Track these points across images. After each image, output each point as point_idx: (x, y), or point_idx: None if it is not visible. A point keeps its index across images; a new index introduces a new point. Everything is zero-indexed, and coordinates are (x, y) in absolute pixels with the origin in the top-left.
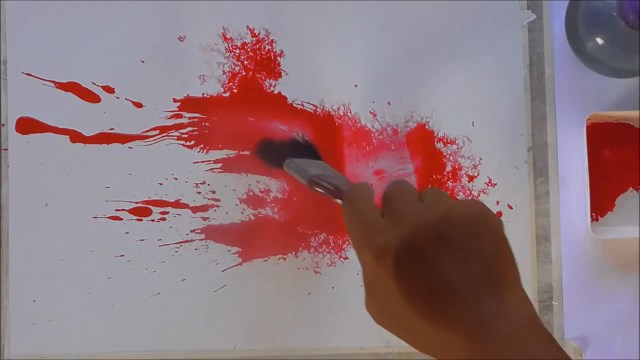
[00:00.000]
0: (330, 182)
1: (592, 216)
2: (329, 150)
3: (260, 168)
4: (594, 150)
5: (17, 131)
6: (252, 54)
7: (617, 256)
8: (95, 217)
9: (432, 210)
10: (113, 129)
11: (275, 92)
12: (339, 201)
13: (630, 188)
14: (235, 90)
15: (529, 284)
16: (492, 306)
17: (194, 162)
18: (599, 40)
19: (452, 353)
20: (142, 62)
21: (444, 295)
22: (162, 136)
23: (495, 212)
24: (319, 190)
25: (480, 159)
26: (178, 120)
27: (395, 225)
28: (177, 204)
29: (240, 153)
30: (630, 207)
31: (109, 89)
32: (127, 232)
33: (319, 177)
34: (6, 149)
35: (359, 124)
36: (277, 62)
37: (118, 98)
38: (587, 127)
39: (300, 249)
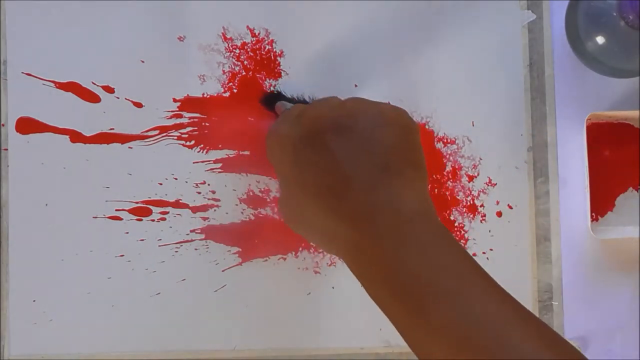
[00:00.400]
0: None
1: (592, 216)
2: None
3: (261, 168)
4: (594, 150)
5: (17, 131)
6: (252, 54)
7: (617, 256)
8: (95, 217)
9: (340, 107)
10: (113, 129)
11: (275, 92)
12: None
13: (630, 188)
14: (235, 90)
15: (529, 283)
16: (380, 198)
17: (194, 162)
18: (599, 40)
19: (342, 244)
20: (142, 62)
21: (336, 184)
22: (162, 136)
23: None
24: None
25: (480, 159)
26: (178, 120)
27: (302, 117)
28: (177, 204)
29: (240, 153)
30: (630, 207)
31: (109, 89)
32: (127, 232)
33: (281, 92)
34: (6, 149)
35: None
36: (277, 62)
37: (118, 98)
38: (587, 127)
39: (300, 249)
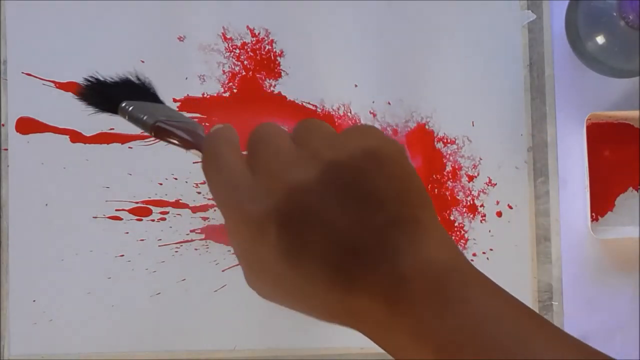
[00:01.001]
0: (182, 126)
1: (592, 216)
2: None
3: None
4: (594, 150)
5: (17, 131)
6: (252, 54)
7: (617, 256)
8: (95, 217)
9: (314, 158)
10: (113, 129)
11: (275, 92)
12: (196, 152)
13: (630, 188)
14: (235, 90)
15: (529, 284)
16: (406, 258)
17: (194, 162)
18: (599, 40)
19: (363, 319)
20: (142, 62)
21: (345, 257)
22: None
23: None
24: (170, 140)
25: (480, 159)
26: None
27: (271, 186)
28: (177, 204)
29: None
30: (630, 207)
31: None
32: (127, 232)
33: (166, 122)
34: (6, 149)
35: (359, 124)
36: (277, 62)
37: None
38: (587, 127)
39: None
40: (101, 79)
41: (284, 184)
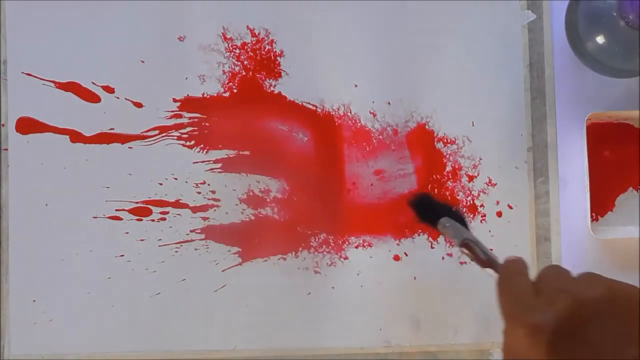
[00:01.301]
0: (484, 249)
1: (592, 216)
2: (329, 150)
3: (261, 168)
4: (594, 150)
5: (17, 131)
6: (252, 54)
7: (617, 256)
8: (95, 217)
9: (589, 289)
10: (113, 129)
11: (275, 92)
12: (490, 271)
13: (630, 188)
14: (235, 90)
15: None
16: None
17: (194, 162)
18: (599, 40)
19: None
20: (142, 62)
21: None
22: (162, 136)
23: (496, 213)
24: (469, 253)
25: (480, 159)
26: (178, 120)
27: (552, 303)
28: (177, 204)
29: (240, 153)
30: (630, 207)
31: (109, 89)
32: (127, 232)
33: (473, 242)
34: (6, 149)
35: (359, 124)
36: (277, 62)
37: (118, 98)
38: (587, 127)
39: (300, 249)
40: (432, 197)
41: (563, 302)
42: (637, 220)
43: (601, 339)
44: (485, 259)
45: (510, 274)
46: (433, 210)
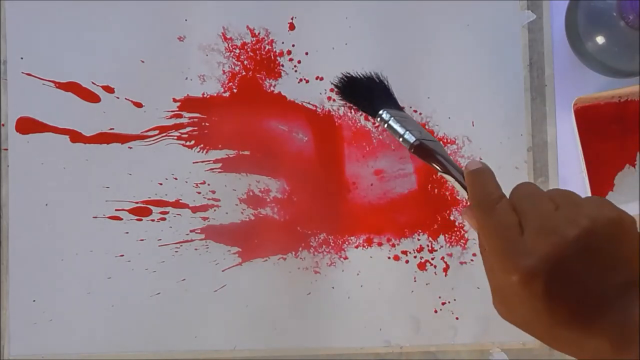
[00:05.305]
0: (437, 148)
1: None
2: (329, 150)
3: (261, 168)
4: (586, 134)
5: (17, 131)
6: (252, 54)
7: None
8: (95, 217)
9: (573, 223)
10: (113, 129)
11: (275, 92)
12: (449, 178)
13: (627, 165)
14: (235, 90)
15: None
16: (634, 312)
17: (194, 162)
18: (599, 40)
19: (594, 354)
20: (142, 62)
21: (589, 308)
22: (162, 136)
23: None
24: (427, 160)
25: (480, 159)
26: (178, 120)
27: (539, 245)
28: (177, 204)
29: (240, 153)
30: (629, 184)
31: (109, 89)
32: (127, 232)
33: (427, 142)
34: (6, 149)
35: (359, 124)
36: (277, 62)
37: (118, 98)
38: (576, 112)
39: (300, 249)
40: (353, 75)
41: (551, 242)
42: (637, 196)
43: (591, 271)
44: (446, 165)
45: (490, 208)
46: (362, 91)
